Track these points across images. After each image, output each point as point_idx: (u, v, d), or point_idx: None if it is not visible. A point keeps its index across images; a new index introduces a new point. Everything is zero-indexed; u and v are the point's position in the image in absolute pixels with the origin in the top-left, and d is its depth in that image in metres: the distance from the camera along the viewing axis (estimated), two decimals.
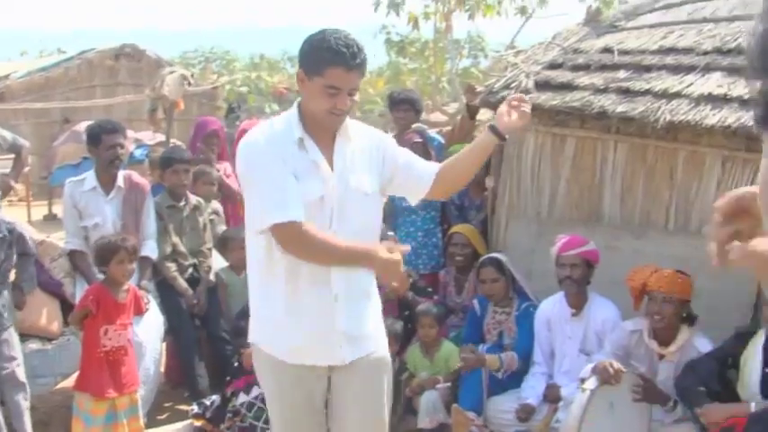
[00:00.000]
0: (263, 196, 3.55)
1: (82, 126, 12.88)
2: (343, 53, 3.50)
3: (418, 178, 3.94)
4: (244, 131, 8.19)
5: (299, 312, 3.69)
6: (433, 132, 7.43)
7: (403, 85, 18.38)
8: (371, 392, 3.91)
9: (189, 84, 11.67)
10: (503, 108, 3.90)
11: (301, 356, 3.76)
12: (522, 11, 17.53)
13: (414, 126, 7.80)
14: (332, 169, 3.67)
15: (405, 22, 17.47)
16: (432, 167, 4.01)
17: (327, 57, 3.49)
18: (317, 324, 3.71)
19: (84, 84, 18.44)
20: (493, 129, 3.88)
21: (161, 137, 11.65)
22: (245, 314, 5.79)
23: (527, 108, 3.87)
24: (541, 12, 17.59)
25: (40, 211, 15.34)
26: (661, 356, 5.42)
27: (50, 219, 14.32)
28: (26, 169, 7.54)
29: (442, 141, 7.59)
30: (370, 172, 3.81)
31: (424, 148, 7.23)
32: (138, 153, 12.04)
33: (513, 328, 6.29)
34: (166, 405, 6.85)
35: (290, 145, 3.61)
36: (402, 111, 7.82)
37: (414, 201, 4.11)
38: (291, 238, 3.51)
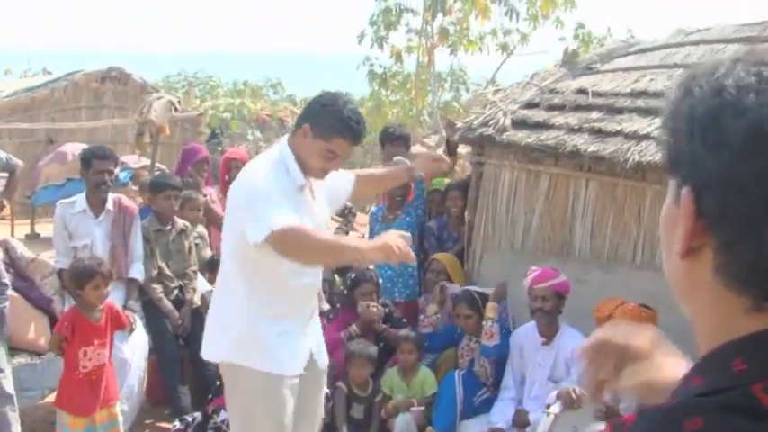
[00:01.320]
0: (262, 211, 3.77)
1: (66, 147, 13.07)
2: (353, 129, 3.97)
3: (340, 189, 4.55)
4: (228, 159, 8.45)
5: (292, 328, 4.11)
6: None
7: (384, 116, 18.59)
8: (322, 393, 4.67)
9: (176, 110, 11.94)
10: (426, 160, 4.89)
11: (298, 367, 4.19)
12: (504, 47, 17.84)
13: (395, 159, 8.05)
14: (315, 206, 4.19)
15: (388, 55, 17.77)
16: (349, 177, 4.61)
17: (339, 128, 3.94)
18: (304, 335, 4.22)
19: (70, 105, 18.51)
20: (409, 171, 4.82)
21: (146, 161, 11.85)
22: None
23: (444, 167, 4.99)
24: (522, 49, 17.90)
25: (22, 230, 15.44)
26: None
27: (33, 238, 14.41)
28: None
29: (422, 175, 7.83)
30: (327, 202, 4.40)
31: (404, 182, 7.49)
32: (123, 176, 12.21)
33: (485, 360, 6.52)
34: (147, 422, 7.01)
35: (293, 189, 3.99)
36: (395, 146, 8.06)
37: (335, 208, 4.76)
38: (291, 240, 3.74)
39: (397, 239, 3.73)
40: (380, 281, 7.08)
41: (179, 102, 12.38)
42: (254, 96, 26.09)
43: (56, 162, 13.65)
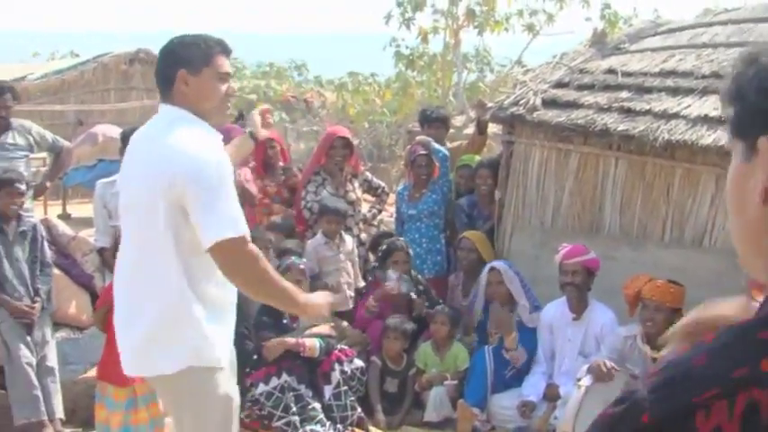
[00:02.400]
0: (221, 202, 3.44)
1: (97, 128, 13.23)
2: (220, 40, 3.69)
3: None
4: (267, 139, 8.57)
5: (228, 318, 3.78)
6: (436, 144, 7.80)
7: (411, 97, 18.66)
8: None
9: None
10: (254, 116, 4.33)
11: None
12: (530, 28, 17.85)
13: (418, 138, 8.17)
14: None
15: (414, 36, 17.82)
16: None
17: (211, 46, 3.62)
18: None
19: (99, 87, 18.69)
20: (247, 136, 4.29)
21: None
22: (266, 311, 6.22)
23: (269, 119, 4.39)
24: (548, 29, 17.91)
25: (54, 210, 15.65)
26: (653, 360, 5.78)
27: (65, 218, 14.60)
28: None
29: (447, 153, 7.96)
30: None
31: (428, 160, 7.63)
32: None
33: (514, 336, 6.64)
34: None
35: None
36: (434, 128, 8.21)
37: None
38: (238, 253, 3.43)
39: (324, 306, 3.75)
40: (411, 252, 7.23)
41: None
42: (279, 78, 26.17)
43: (87, 143, 13.82)
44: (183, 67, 3.57)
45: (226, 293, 3.67)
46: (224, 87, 3.65)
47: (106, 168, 12.16)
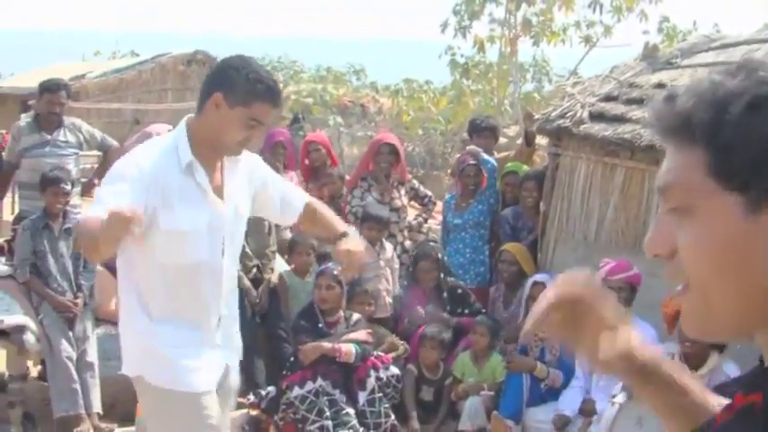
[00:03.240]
0: (102, 193, 3.35)
1: (152, 128, 13.28)
2: (274, 90, 3.50)
3: (287, 206, 3.97)
4: (308, 142, 8.64)
5: (193, 337, 3.66)
6: (485, 155, 7.82)
7: (465, 106, 18.65)
8: (228, 414, 4.06)
9: None
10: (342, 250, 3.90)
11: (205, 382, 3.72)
12: (587, 39, 17.79)
13: (468, 148, 8.18)
14: (223, 195, 3.61)
15: (470, 44, 17.83)
16: (300, 200, 4.03)
17: (259, 90, 3.44)
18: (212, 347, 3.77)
19: (157, 87, 18.98)
20: (337, 237, 3.94)
21: None
22: (304, 315, 6.29)
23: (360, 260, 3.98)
24: (605, 41, 17.82)
25: None
26: None
27: None
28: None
29: (495, 164, 7.96)
30: (248, 195, 3.78)
31: (477, 170, 7.63)
32: None
33: (556, 346, 6.62)
34: None
35: (174, 169, 3.47)
36: (483, 137, 8.24)
37: (283, 223, 4.52)
38: (87, 225, 3.20)
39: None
40: (445, 258, 7.28)
41: None
42: (336, 82, 26.28)
43: (140, 142, 14.00)
44: (223, 91, 3.46)
45: (182, 304, 3.55)
46: (246, 133, 3.50)
47: None
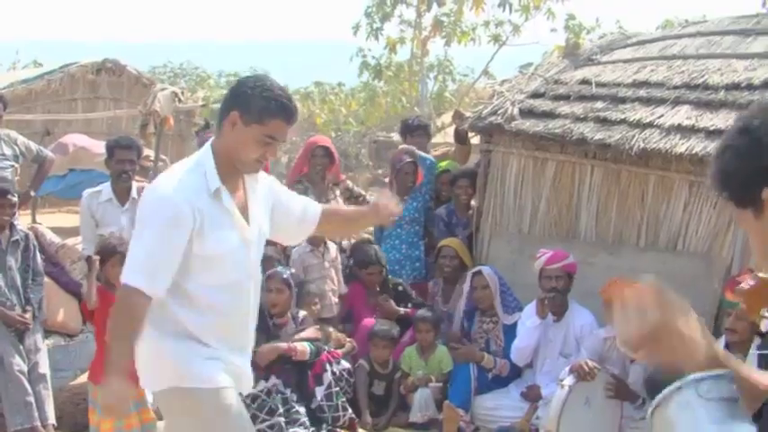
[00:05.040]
0: (143, 254, 3.51)
1: (67, 138, 13.22)
2: (289, 107, 3.58)
3: (301, 221, 4.05)
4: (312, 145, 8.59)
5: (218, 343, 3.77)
6: (423, 153, 7.99)
7: (378, 107, 18.86)
8: None
9: (179, 101, 12.15)
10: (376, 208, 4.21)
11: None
12: (496, 38, 18.15)
13: (401, 147, 8.34)
14: (248, 217, 3.71)
15: (382, 46, 18.03)
16: (314, 210, 4.10)
17: (274, 108, 3.53)
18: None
19: (66, 97, 18.63)
20: (378, 213, 4.21)
21: (149, 151, 12.03)
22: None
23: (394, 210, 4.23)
24: (514, 39, 18.20)
25: (24, 220, 15.61)
26: (632, 360, 5.99)
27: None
28: None
29: (434, 161, 8.14)
30: (267, 215, 3.87)
31: (414, 167, 7.80)
32: None
33: (500, 336, 6.85)
34: None
35: (204, 194, 3.56)
36: (417, 137, 8.38)
37: (292, 242, 4.67)
38: (127, 304, 3.49)
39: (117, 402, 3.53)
40: (386, 261, 7.44)
41: (182, 93, 12.56)
42: None
43: (57, 153, 13.75)
44: (239, 110, 3.55)
45: (210, 321, 3.67)
46: (263, 150, 3.59)
47: (76, 178, 12.19)
